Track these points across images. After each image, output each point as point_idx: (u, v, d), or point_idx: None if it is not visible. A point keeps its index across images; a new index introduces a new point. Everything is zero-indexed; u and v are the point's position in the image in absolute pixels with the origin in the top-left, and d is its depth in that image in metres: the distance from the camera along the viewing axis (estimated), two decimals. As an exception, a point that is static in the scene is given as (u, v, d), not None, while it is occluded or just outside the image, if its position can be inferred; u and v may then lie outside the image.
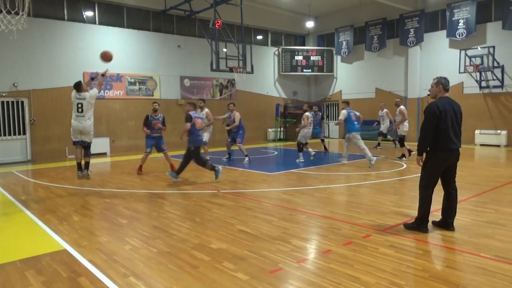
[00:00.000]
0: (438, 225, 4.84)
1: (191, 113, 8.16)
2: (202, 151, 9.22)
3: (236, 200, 6.70)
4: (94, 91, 7.46)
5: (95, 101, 7.56)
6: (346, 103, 10.77)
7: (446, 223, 4.75)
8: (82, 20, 14.39)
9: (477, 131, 15.37)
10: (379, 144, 14.44)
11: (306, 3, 18.63)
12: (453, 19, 15.74)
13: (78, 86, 7.36)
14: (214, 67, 13.88)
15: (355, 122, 10.40)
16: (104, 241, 4.66)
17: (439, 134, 4.51)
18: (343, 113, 10.40)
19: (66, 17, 14.03)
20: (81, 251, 4.30)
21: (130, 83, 15.38)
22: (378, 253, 4.04)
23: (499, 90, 14.87)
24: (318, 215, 5.65)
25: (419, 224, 4.70)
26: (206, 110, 11.02)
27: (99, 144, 14.45)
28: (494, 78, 14.68)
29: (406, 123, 11.47)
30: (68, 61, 13.88)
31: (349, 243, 4.37)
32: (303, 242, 4.50)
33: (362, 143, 10.17)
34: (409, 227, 4.79)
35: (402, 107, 11.68)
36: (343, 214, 5.68)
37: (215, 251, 4.21)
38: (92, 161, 12.77)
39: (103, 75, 7.68)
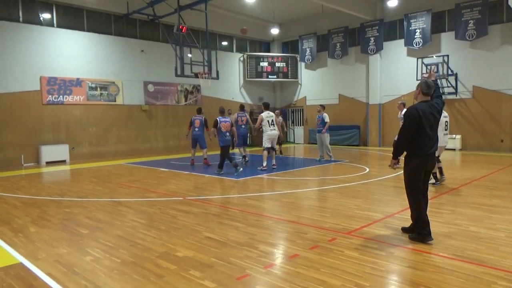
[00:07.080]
0: (407, 231, 4.75)
1: (218, 118, 10.00)
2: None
3: (202, 206, 6.63)
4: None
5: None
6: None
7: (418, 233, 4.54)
8: (39, 23, 13.80)
9: (434, 136, 16.05)
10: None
11: (271, 10, 18.87)
12: (410, 28, 16.47)
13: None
14: (178, 72, 13.70)
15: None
16: (64, 252, 4.45)
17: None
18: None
19: (21, 19, 13.40)
20: (38, 264, 4.08)
21: (91, 88, 14.90)
22: (344, 255, 4.12)
23: (453, 96, 15.66)
24: (285, 220, 5.68)
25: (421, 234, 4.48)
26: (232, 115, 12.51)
27: (58, 152, 13.90)
28: (449, 85, 15.46)
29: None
30: (24, 65, 13.25)
31: (315, 247, 4.42)
32: (270, 247, 4.51)
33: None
34: (413, 238, 4.57)
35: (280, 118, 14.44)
36: (309, 218, 5.76)
37: (181, 259, 4.13)
38: (50, 169, 12.34)
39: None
